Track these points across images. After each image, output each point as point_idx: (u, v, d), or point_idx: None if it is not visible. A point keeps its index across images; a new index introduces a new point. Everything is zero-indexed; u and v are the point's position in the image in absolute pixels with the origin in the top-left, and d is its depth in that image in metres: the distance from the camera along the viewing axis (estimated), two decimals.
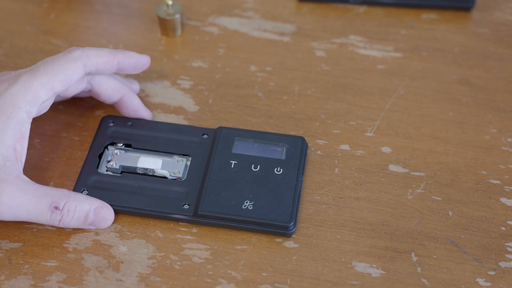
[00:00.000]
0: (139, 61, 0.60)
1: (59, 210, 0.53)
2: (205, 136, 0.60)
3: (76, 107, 0.63)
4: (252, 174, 0.57)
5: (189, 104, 0.64)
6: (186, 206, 0.56)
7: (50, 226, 0.55)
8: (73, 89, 0.58)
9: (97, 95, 0.60)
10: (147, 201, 0.56)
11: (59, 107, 0.63)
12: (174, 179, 0.58)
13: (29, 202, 0.52)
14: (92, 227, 0.55)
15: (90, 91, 0.60)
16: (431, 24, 0.71)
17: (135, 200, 0.56)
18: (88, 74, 0.58)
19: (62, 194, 0.54)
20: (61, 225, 0.54)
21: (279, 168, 0.58)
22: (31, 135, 0.61)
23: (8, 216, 0.52)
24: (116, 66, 0.59)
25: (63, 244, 0.55)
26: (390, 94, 0.65)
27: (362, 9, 0.73)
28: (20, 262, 0.54)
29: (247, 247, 0.55)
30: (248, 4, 0.73)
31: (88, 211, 0.54)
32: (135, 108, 0.61)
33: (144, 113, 0.62)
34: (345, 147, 0.61)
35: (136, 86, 0.64)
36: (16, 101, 0.54)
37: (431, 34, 0.70)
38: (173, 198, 0.56)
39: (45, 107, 0.57)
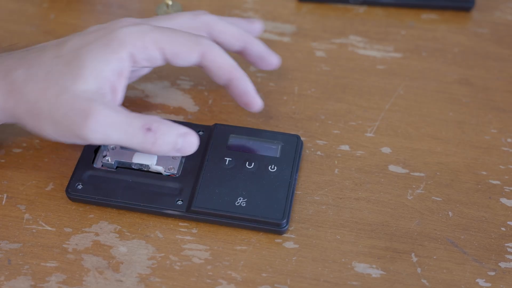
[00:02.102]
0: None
1: (152, 132, 0.52)
2: (200, 133, 0.60)
3: None
4: (246, 171, 0.57)
5: (189, 105, 0.64)
6: (179, 202, 0.56)
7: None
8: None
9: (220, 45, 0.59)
10: (141, 197, 0.56)
11: None
12: (169, 175, 0.58)
13: (122, 122, 0.52)
14: (178, 154, 0.54)
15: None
16: (431, 24, 0.71)
17: (129, 195, 0.56)
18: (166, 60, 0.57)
19: (153, 118, 0.53)
20: (154, 149, 0.53)
21: (273, 165, 0.58)
22: (31, 135, 0.61)
23: (100, 136, 0.52)
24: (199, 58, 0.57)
25: (63, 245, 0.55)
26: (390, 94, 0.65)
27: (362, 9, 0.73)
28: (20, 262, 0.54)
29: (247, 247, 0.55)
30: (248, 4, 0.73)
31: (178, 135, 0.53)
32: (261, 54, 0.61)
33: (273, 59, 0.61)
34: (345, 147, 0.61)
35: (258, 25, 0.63)
36: (125, 39, 0.54)
37: (431, 34, 0.70)
38: (167, 194, 0.56)
39: (137, 75, 0.57)
